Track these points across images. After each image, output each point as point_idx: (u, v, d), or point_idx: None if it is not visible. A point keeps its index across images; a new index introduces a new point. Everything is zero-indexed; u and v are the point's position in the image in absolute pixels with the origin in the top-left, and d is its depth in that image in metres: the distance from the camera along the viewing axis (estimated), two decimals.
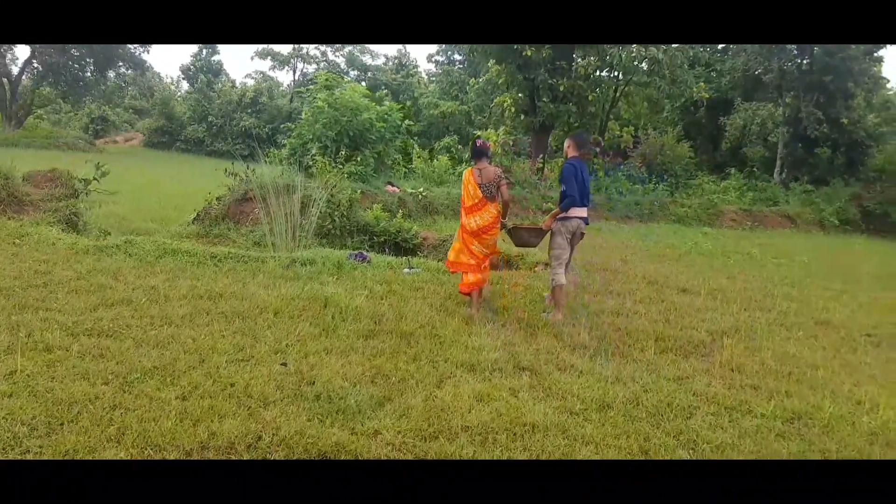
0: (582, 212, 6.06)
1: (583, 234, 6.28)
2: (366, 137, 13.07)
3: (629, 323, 6.12)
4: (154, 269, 6.34)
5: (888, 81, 31.25)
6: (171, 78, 57.08)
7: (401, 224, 11.08)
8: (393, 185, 13.90)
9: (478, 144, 6.14)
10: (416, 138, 28.45)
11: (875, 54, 26.95)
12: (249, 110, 43.64)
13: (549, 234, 6.23)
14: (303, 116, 13.99)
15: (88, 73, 39.27)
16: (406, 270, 7.58)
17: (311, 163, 11.56)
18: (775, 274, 10.66)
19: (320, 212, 10.16)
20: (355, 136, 12.86)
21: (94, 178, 9.27)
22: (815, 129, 24.84)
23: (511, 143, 19.56)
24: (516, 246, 6.89)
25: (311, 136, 12.86)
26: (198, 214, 12.01)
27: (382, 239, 10.84)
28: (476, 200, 5.90)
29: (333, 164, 11.06)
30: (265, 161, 12.22)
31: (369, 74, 47.63)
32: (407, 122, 14.65)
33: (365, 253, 7.77)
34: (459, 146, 27.01)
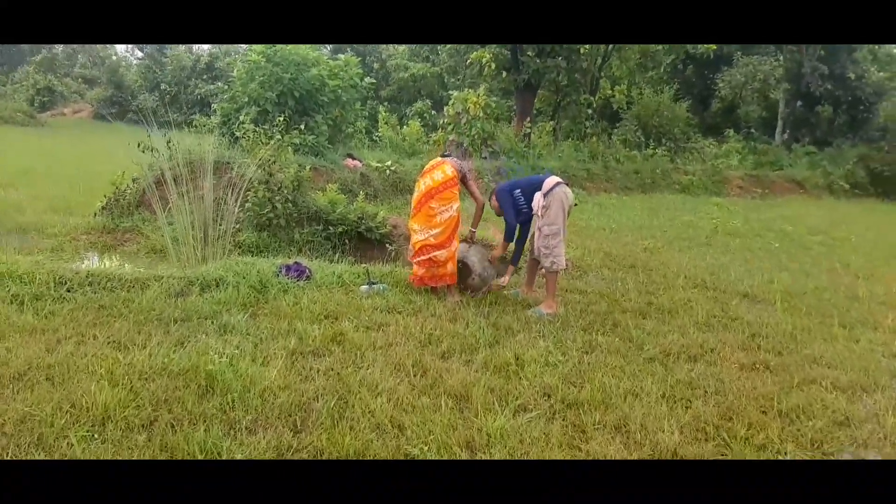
0: (555, 178, 5.33)
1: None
2: (316, 99, 10.34)
3: (717, 377, 3.87)
4: None
5: None
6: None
7: (363, 208, 8.65)
8: (354, 158, 11.34)
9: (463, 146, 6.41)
10: (385, 104, 25.72)
11: None
12: (205, 76, 40.08)
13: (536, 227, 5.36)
14: (234, 74, 11.20)
15: None
16: (363, 288, 5.23)
17: (240, 133, 8.92)
18: (831, 260, 8.59)
19: (257, 197, 7.76)
20: (303, 98, 10.16)
21: None
22: (818, 85, 22.81)
23: (493, 105, 17.04)
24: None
25: (246, 99, 10.16)
26: (107, 202, 9.48)
27: (340, 229, 8.41)
28: (434, 163, 5.45)
29: (270, 134, 8.47)
30: (189, 130, 9.60)
31: None
32: (368, 80, 11.89)
33: (303, 265, 5.35)
34: (433, 111, 24.36)
